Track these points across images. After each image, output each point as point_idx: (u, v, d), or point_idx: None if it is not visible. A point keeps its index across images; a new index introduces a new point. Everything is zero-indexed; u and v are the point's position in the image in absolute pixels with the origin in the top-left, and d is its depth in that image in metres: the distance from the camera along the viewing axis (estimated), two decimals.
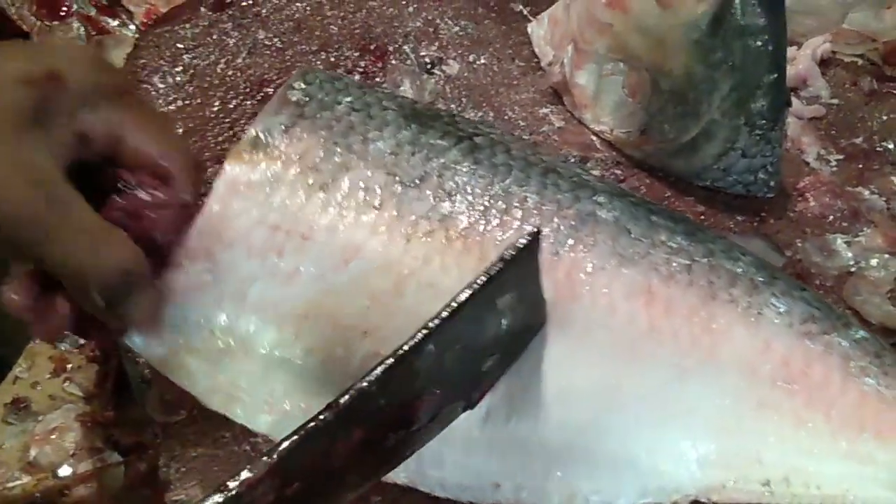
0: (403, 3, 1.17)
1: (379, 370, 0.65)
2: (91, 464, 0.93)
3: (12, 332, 0.99)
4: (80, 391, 0.96)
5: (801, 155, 1.10)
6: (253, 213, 0.78)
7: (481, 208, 0.80)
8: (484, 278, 0.70)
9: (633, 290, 0.80)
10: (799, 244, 1.01)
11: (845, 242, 1.02)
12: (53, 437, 0.94)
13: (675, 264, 0.82)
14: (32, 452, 0.94)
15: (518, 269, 0.74)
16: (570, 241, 0.81)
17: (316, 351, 0.77)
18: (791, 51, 1.16)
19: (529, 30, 1.16)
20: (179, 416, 0.86)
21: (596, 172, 1.03)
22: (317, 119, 0.83)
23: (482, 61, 1.13)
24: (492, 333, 0.74)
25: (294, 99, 0.84)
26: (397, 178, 0.80)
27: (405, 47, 1.12)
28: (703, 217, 1.02)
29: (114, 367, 0.96)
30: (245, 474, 0.60)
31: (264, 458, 0.62)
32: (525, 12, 1.21)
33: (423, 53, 1.12)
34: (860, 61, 1.20)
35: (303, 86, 0.85)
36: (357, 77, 1.08)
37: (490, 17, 1.20)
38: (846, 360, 0.81)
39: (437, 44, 1.13)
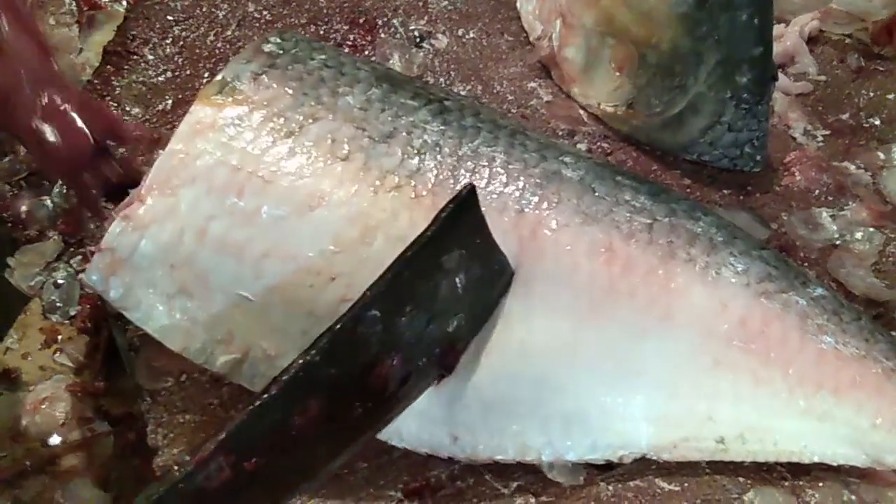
0: None
1: (323, 341, 0.66)
2: (81, 433, 0.94)
3: (3, 305, 0.99)
4: (71, 362, 0.96)
5: (788, 130, 1.10)
6: (216, 153, 0.79)
7: (450, 167, 0.81)
8: (421, 241, 0.71)
9: (595, 247, 0.81)
10: (784, 217, 1.02)
11: (830, 216, 1.02)
12: (44, 406, 0.95)
13: (636, 223, 0.83)
14: (23, 422, 0.94)
15: (459, 227, 0.74)
16: (535, 199, 0.82)
17: (277, 290, 0.78)
18: (779, 28, 1.17)
19: (518, 5, 1.16)
20: (167, 383, 0.87)
21: (583, 146, 1.04)
22: (287, 70, 0.84)
23: (471, 35, 1.13)
24: (448, 293, 0.75)
25: (267, 50, 0.85)
26: (366, 133, 0.81)
27: (394, 21, 1.13)
28: (689, 190, 1.02)
29: (104, 338, 0.96)
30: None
31: (215, 436, 0.63)
32: None
33: (412, 27, 1.12)
34: (848, 39, 1.20)
35: (278, 41, 0.87)
36: (346, 50, 1.08)
37: None
38: (804, 319, 0.82)
39: (426, 18, 1.13)
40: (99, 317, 0.97)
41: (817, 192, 1.05)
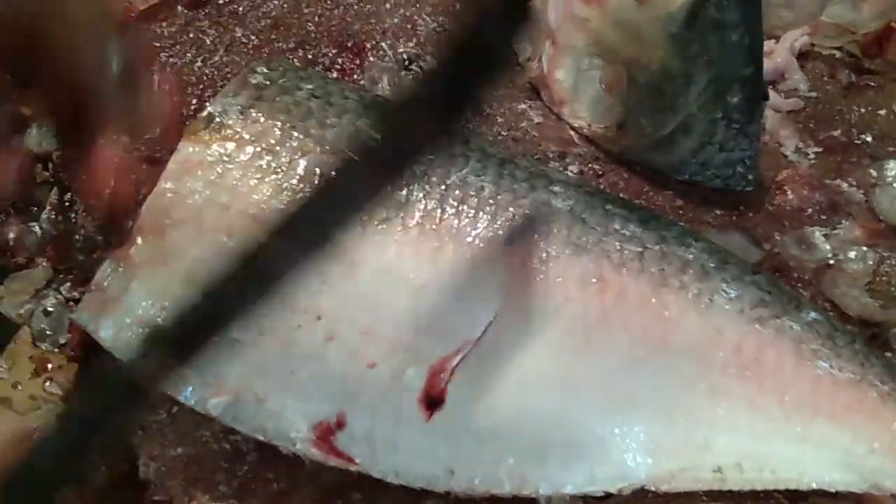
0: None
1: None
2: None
3: None
4: (61, 391, 0.96)
5: (780, 148, 1.10)
6: (205, 192, 0.79)
7: (438, 197, 0.81)
8: None
9: (586, 278, 0.81)
10: (777, 237, 1.02)
11: (823, 235, 1.02)
12: (35, 437, 0.94)
13: (627, 252, 0.83)
14: None
15: None
16: (524, 231, 0.82)
17: (267, 332, 0.78)
18: (769, 44, 1.16)
19: None
20: (159, 416, 0.86)
21: (574, 168, 1.03)
22: (275, 102, 0.83)
23: None
24: None
25: (254, 82, 0.85)
26: None
27: (383, 44, 1.12)
28: (681, 211, 1.02)
29: (94, 367, 0.96)
30: None
31: None
32: None
33: (400, 50, 1.12)
34: (838, 54, 1.20)
35: (265, 70, 0.86)
36: (335, 74, 1.08)
37: None
38: (798, 344, 0.82)
39: (414, 41, 1.13)
40: (88, 345, 0.97)
41: (810, 210, 1.04)
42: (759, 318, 0.82)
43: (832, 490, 0.81)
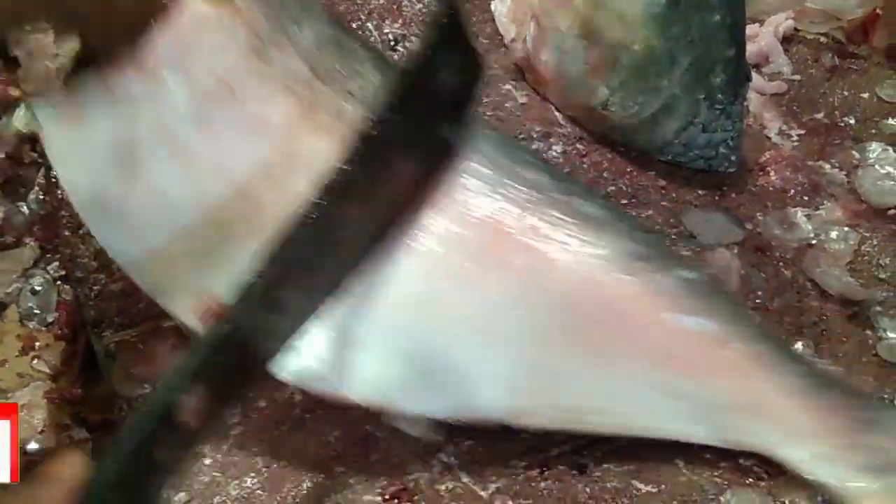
0: None
1: (352, 145, 0.74)
2: (59, 440, 0.94)
3: None
4: (48, 369, 0.96)
5: (763, 130, 1.11)
6: (205, 57, 0.79)
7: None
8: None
9: (487, 216, 0.82)
10: (759, 217, 1.02)
11: (805, 215, 1.03)
12: (22, 413, 0.94)
13: (531, 197, 0.84)
14: None
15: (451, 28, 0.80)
16: (443, 159, 0.84)
17: (201, 202, 0.79)
18: (754, 27, 1.17)
19: (492, 7, 1.16)
20: (144, 390, 0.87)
21: (558, 148, 1.04)
22: None
23: None
24: (437, 93, 0.81)
25: None
26: (317, 72, 0.82)
27: (368, 24, 1.13)
28: (664, 191, 1.03)
29: (81, 344, 0.96)
30: None
31: None
32: None
33: (386, 31, 1.12)
34: (823, 38, 1.21)
35: None
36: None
37: None
38: (663, 297, 0.83)
39: (400, 21, 1.13)
40: (76, 323, 0.97)
41: (792, 191, 1.05)
42: (633, 270, 0.83)
43: (686, 441, 0.82)
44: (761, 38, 1.17)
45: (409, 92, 0.78)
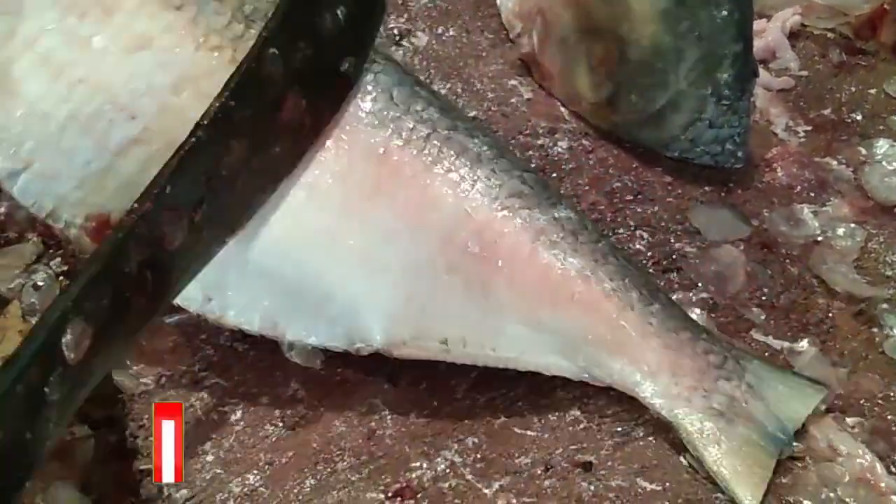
0: None
1: (231, 84, 0.73)
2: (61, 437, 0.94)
3: None
4: None
5: (770, 126, 1.10)
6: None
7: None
8: None
9: (373, 150, 0.84)
10: (766, 214, 1.02)
11: (812, 212, 1.02)
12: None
13: (417, 130, 0.85)
14: None
15: None
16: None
17: (80, 117, 0.80)
18: (761, 23, 1.16)
19: (498, 2, 1.16)
20: (146, 386, 0.86)
21: (564, 143, 1.04)
22: None
23: (451, 33, 1.13)
24: (332, 27, 0.81)
25: None
26: None
27: None
28: (670, 187, 1.02)
29: None
30: None
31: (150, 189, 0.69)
32: None
33: (391, 25, 1.12)
34: (830, 34, 1.20)
35: None
36: None
37: None
38: (539, 234, 0.84)
39: (405, 15, 1.13)
40: None
41: (799, 188, 1.04)
42: (510, 207, 0.84)
43: (548, 374, 0.84)
44: (768, 33, 1.17)
45: (303, 23, 0.79)
